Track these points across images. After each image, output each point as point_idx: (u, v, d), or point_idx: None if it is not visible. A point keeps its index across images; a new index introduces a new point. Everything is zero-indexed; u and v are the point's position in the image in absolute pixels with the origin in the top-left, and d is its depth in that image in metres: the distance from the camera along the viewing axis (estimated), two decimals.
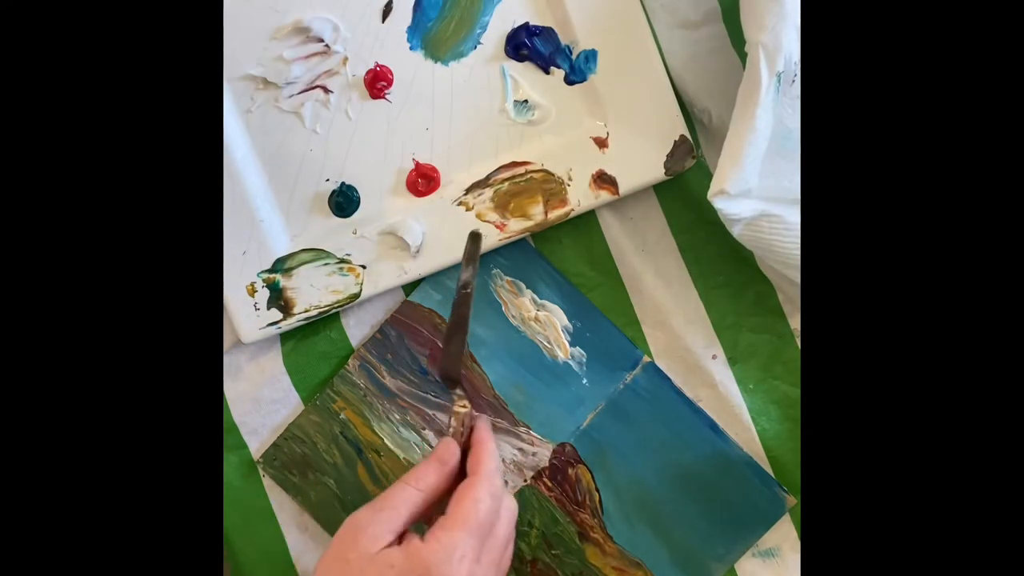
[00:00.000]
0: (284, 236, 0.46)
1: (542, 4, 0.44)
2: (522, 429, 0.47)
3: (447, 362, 0.40)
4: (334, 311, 0.46)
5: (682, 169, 0.45)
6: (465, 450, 0.39)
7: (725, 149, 0.39)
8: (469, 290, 0.41)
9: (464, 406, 0.40)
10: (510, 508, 0.39)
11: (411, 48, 0.45)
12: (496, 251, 0.46)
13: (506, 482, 0.46)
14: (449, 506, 0.36)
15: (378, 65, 0.45)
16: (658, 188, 0.46)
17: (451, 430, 0.40)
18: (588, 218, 0.46)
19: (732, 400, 0.46)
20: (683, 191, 0.46)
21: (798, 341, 0.46)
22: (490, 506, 0.36)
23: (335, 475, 0.47)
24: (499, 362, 0.46)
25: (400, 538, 0.36)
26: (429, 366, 0.46)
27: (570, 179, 0.45)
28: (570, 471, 0.46)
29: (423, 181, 0.45)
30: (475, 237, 0.43)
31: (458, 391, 0.41)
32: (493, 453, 0.39)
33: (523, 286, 0.46)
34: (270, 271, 0.45)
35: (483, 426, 0.40)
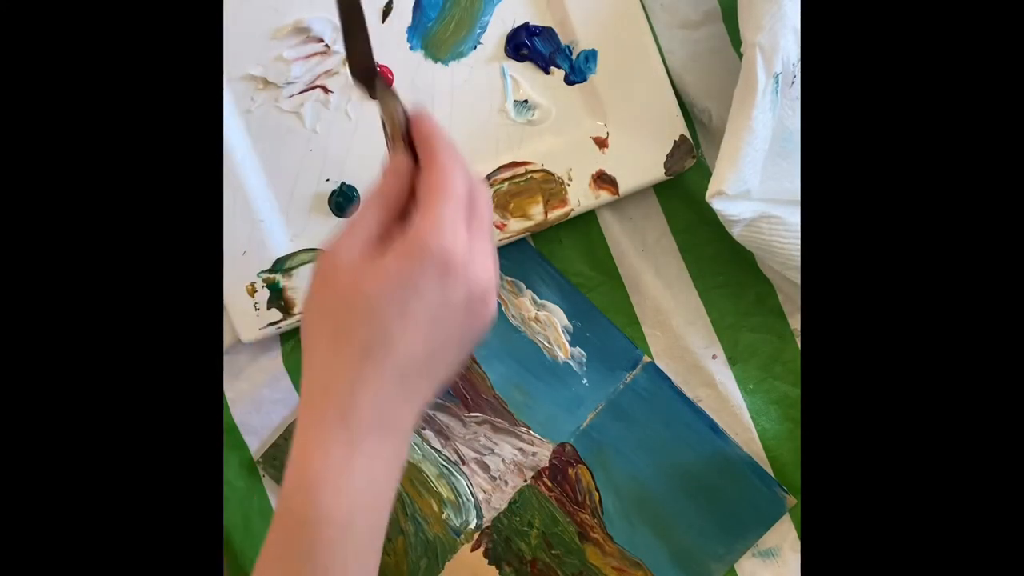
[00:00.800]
0: (284, 236, 0.46)
1: (542, 4, 0.45)
2: (522, 429, 0.47)
3: (357, 60, 0.36)
4: None
5: (682, 169, 0.45)
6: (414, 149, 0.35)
7: (722, 150, 0.40)
8: None
9: (392, 100, 0.35)
10: (484, 188, 0.35)
11: (411, 48, 0.45)
12: (496, 251, 0.46)
13: (506, 481, 0.46)
14: (418, 191, 0.34)
15: (378, 65, 0.45)
16: (658, 188, 0.46)
17: (388, 135, 0.35)
18: (588, 218, 0.46)
19: (732, 400, 0.46)
20: (683, 191, 0.46)
21: (798, 341, 0.46)
22: (462, 176, 0.33)
23: None
24: (499, 362, 0.46)
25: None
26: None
27: (570, 179, 0.45)
28: (570, 471, 0.46)
29: None
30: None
31: (379, 88, 0.35)
32: (444, 138, 0.34)
33: (523, 286, 0.46)
34: (270, 271, 0.45)
35: (423, 116, 0.35)
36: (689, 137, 0.44)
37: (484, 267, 0.33)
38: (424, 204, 0.33)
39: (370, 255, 0.32)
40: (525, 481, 0.46)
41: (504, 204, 0.45)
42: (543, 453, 0.47)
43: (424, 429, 0.47)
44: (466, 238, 0.32)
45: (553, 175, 0.45)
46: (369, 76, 0.36)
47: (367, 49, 0.36)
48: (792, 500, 0.46)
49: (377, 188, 0.34)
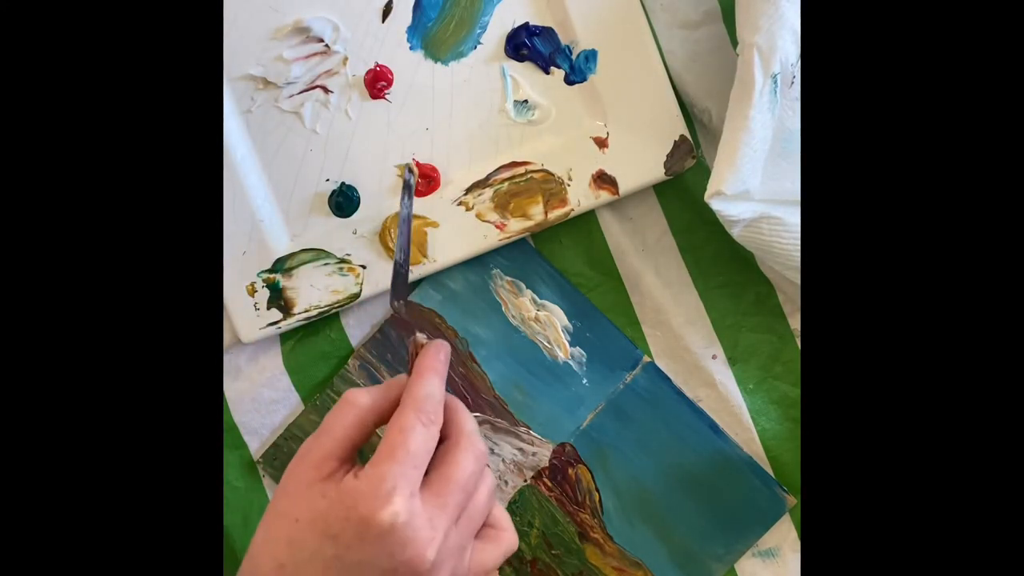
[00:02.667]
0: (284, 236, 0.46)
1: (542, 4, 0.45)
2: (522, 429, 0.47)
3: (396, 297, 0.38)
4: (334, 311, 0.46)
5: (682, 169, 0.45)
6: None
7: (720, 151, 0.40)
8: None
9: (422, 339, 0.37)
10: (491, 483, 0.36)
11: (411, 48, 0.45)
12: (496, 251, 0.46)
13: (506, 481, 0.46)
14: (430, 469, 0.34)
15: (378, 65, 0.45)
16: (658, 188, 0.46)
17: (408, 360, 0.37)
18: (588, 218, 0.46)
19: (732, 400, 0.46)
20: (683, 191, 0.46)
21: (798, 341, 0.46)
22: (472, 468, 0.34)
23: None
24: (499, 362, 0.46)
25: (350, 467, 0.34)
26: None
27: (570, 179, 0.45)
28: (570, 471, 0.46)
29: (423, 181, 0.45)
30: (410, 171, 0.44)
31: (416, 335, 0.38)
32: (466, 413, 0.36)
33: (523, 286, 0.46)
34: (270, 271, 0.45)
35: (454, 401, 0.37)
36: (689, 137, 0.44)
37: (441, 556, 0.32)
38: (380, 452, 0.32)
39: (328, 470, 0.33)
40: (525, 481, 0.46)
41: (504, 204, 0.45)
42: (543, 453, 0.47)
43: None
44: (407, 507, 0.31)
45: (553, 175, 0.45)
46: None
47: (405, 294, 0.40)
48: (792, 500, 0.46)
49: (361, 391, 0.35)
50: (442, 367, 0.36)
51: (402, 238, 0.41)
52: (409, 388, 0.34)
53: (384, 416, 0.35)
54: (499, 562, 0.36)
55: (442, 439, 0.35)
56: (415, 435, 0.33)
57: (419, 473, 0.32)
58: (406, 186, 0.44)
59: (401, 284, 0.40)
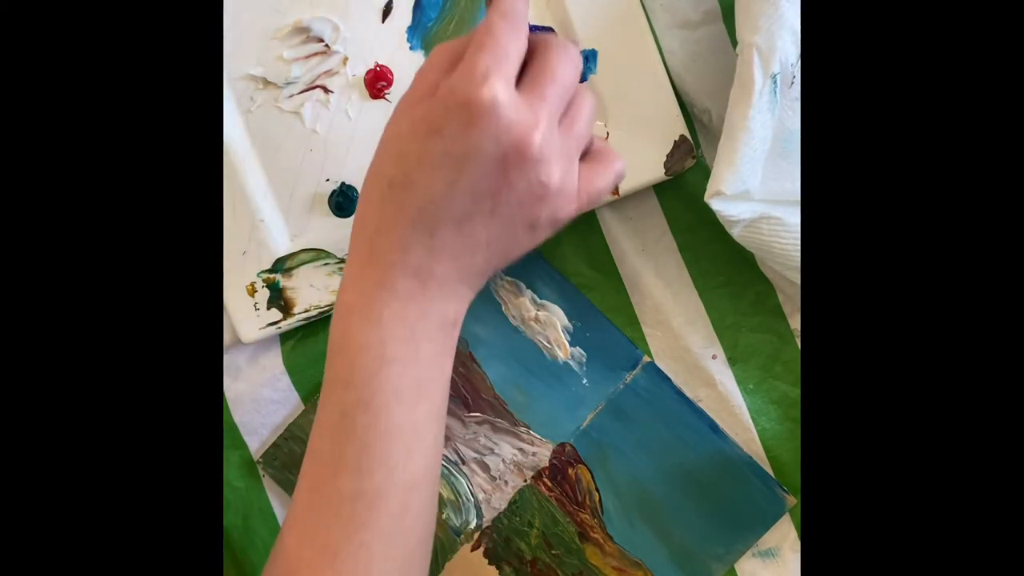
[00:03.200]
0: (284, 236, 0.46)
1: (542, 4, 0.44)
2: (522, 429, 0.47)
3: None
4: None
5: (682, 169, 0.45)
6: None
7: (719, 151, 0.40)
8: None
9: None
10: (589, 98, 0.35)
11: (411, 48, 0.45)
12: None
13: (506, 481, 0.46)
14: (523, 70, 0.33)
15: (378, 65, 0.45)
16: (658, 188, 0.46)
17: None
18: (588, 218, 0.46)
19: (732, 400, 0.46)
20: (683, 191, 0.46)
21: (798, 341, 0.46)
22: (565, 63, 0.32)
23: None
24: (499, 362, 0.46)
25: None
26: None
27: None
28: (570, 471, 0.47)
29: None
30: None
31: None
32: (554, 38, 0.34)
33: (523, 286, 0.46)
34: (270, 271, 0.45)
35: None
36: (689, 137, 0.44)
37: (548, 147, 0.31)
38: (475, 49, 0.31)
39: (422, 94, 0.32)
40: (525, 481, 0.46)
41: None
42: (543, 453, 0.47)
43: None
44: (517, 101, 0.30)
45: None
46: None
47: None
48: (792, 500, 0.46)
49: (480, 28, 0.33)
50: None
51: None
52: (492, 6, 0.33)
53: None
54: (610, 185, 0.35)
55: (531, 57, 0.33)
56: (502, 30, 0.31)
57: (511, 65, 0.31)
58: None
59: None
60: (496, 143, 0.31)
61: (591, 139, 0.36)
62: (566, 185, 0.33)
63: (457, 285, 0.34)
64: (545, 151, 0.32)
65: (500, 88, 0.30)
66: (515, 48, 0.32)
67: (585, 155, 0.36)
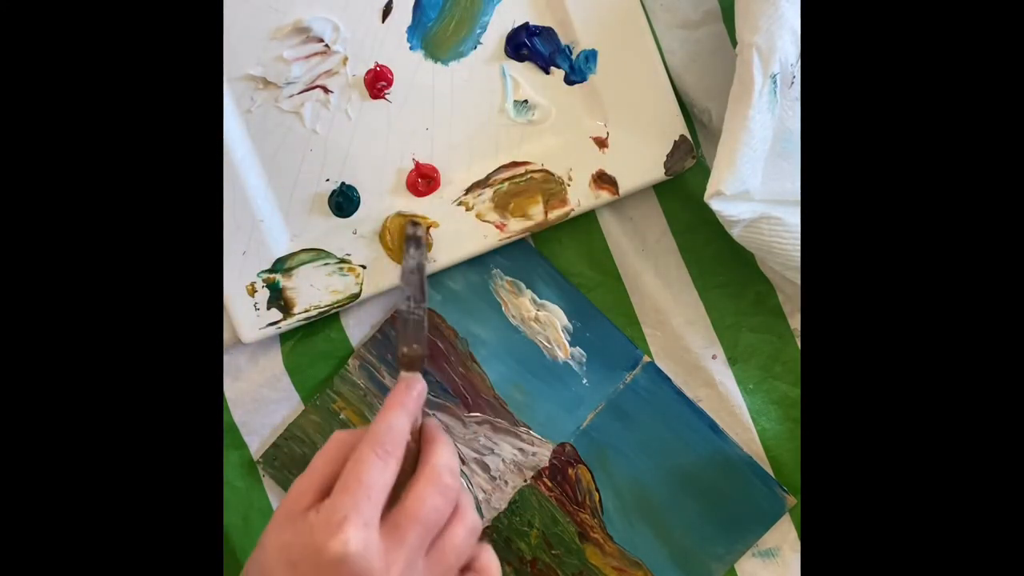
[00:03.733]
0: (284, 236, 0.46)
1: (542, 4, 0.45)
2: (522, 429, 0.47)
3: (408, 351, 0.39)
4: (334, 311, 0.46)
5: (682, 169, 0.45)
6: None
7: (719, 151, 0.40)
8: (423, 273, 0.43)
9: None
10: (470, 523, 0.35)
11: (411, 48, 0.45)
12: (496, 251, 0.46)
13: (506, 481, 0.46)
14: (393, 502, 0.34)
15: (378, 65, 0.45)
16: (658, 188, 0.46)
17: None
18: (588, 218, 0.46)
19: (732, 400, 0.46)
20: (683, 191, 0.46)
21: (798, 341, 0.46)
22: (434, 502, 0.34)
23: None
24: (499, 362, 0.46)
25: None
26: (429, 366, 0.46)
27: (570, 179, 0.45)
28: (570, 471, 0.46)
29: (423, 181, 0.45)
30: (414, 224, 0.44)
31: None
32: (441, 446, 0.36)
33: (523, 286, 0.46)
34: (270, 271, 0.45)
35: (432, 423, 0.38)
36: (689, 137, 0.44)
37: None
38: (338, 486, 0.33)
39: (305, 503, 0.33)
40: (525, 481, 0.46)
41: (504, 204, 0.45)
42: (543, 453, 0.47)
43: None
44: (358, 537, 0.31)
45: (553, 175, 0.45)
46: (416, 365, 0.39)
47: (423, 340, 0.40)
48: (792, 500, 0.46)
49: (340, 432, 0.36)
50: (412, 402, 0.36)
51: (412, 288, 0.42)
52: (373, 422, 0.35)
53: (349, 450, 0.35)
54: None
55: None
56: (368, 466, 0.33)
57: (374, 504, 0.33)
58: (413, 239, 0.44)
59: (415, 330, 0.40)
60: None
61: (473, 554, 0.36)
62: None
63: None
64: None
65: (354, 538, 0.31)
66: (383, 482, 0.33)
67: (468, 567, 0.36)
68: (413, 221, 0.45)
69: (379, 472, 0.33)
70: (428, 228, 0.45)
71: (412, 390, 0.37)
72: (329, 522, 0.32)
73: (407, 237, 0.44)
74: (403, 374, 0.38)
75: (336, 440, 0.35)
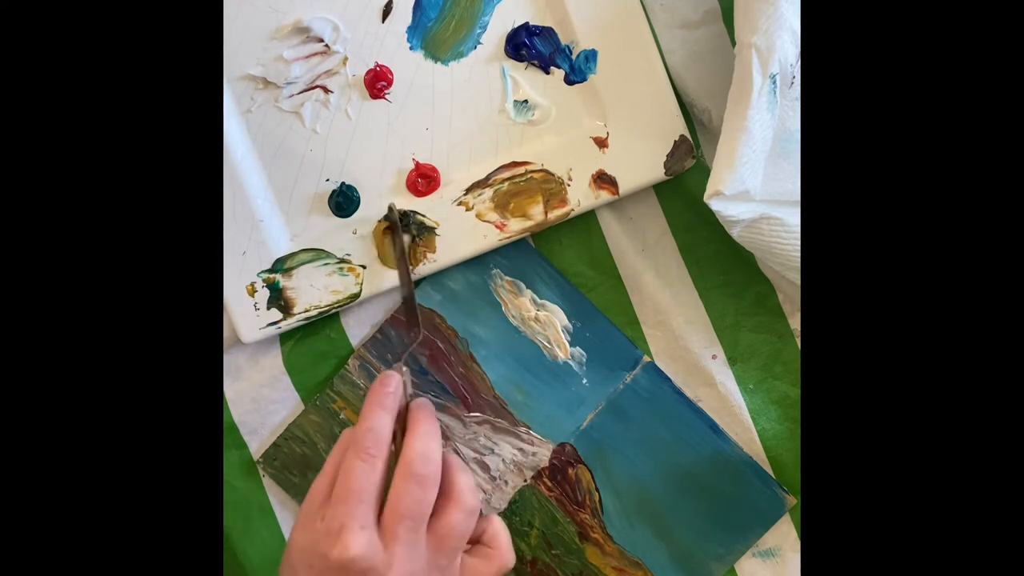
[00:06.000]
0: (284, 236, 0.46)
1: (542, 4, 0.45)
2: (522, 429, 0.47)
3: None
4: (334, 311, 0.46)
5: (682, 169, 0.45)
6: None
7: (718, 151, 0.40)
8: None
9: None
10: (466, 506, 0.37)
11: (411, 48, 0.45)
12: (496, 251, 0.46)
13: (506, 481, 0.46)
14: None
15: (378, 65, 0.45)
16: (658, 188, 0.46)
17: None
18: (588, 218, 0.46)
19: (732, 400, 0.46)
20: (683, 191, 0.46)
21: (798, 341, 0.46)
22: (464, 526, 0.36)
23: None
24: (499, 362, 0.46)
25: None
26: (429, 366, 0.46)
27: (570, 179, 0.45)
28: (570, 471, 0.46)
29: (423, 181, 0.45)
30: (389, 209, 0.45)
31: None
32: (458, 468, 0.38)
33: (523, 286, 0.46)
34: (270, 271, 0.45)
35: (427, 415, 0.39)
36: (689, 137, 0.44)
37: (409, 572, 0.34)
38: (335, 500, 0.35)
39: (314, 508, 0.36)
40: (525, 481, 0.46)
41: (504, 204, 0.45)
42: (543, 453, 0.47)
43: None
44: (372, 545, 0.34)
45: (553, 175, 0.45)
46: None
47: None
48: (792, 500, 0.46)
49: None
50: (389, 399, 0.38)
51: (400, 273, 0.43)
52: (356, 426, 0.37)
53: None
54: (495, 573, 0.38)
55: (441, 492, 0.37)
56: (356, 473, 0.35)
57: (367, 507, 0.35)
58: (391, 224, 0.45)
59: (411, 314, 0.42)
60: None
61: (480, 528, 0.39)
62: None
63: None
64: None
65: (353, 544, 0.34)
66: (371, 483, 0.35)
67: (478, 540, 0.39)
68: (389, 206, 0.45)
69: (367, 476, 0.35)
70: (396, 208, 0.45)
71: (387, 387, 0.38)
72: (329, 531, 0.34)
73: (389, 224, 0.45)
74: (383, 372, 0.39)
75: (344, 440, 0.38)
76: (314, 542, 0.35)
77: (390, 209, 0.45)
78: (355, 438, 0.36)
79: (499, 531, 0.39)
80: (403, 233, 0.44)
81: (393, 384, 0.38)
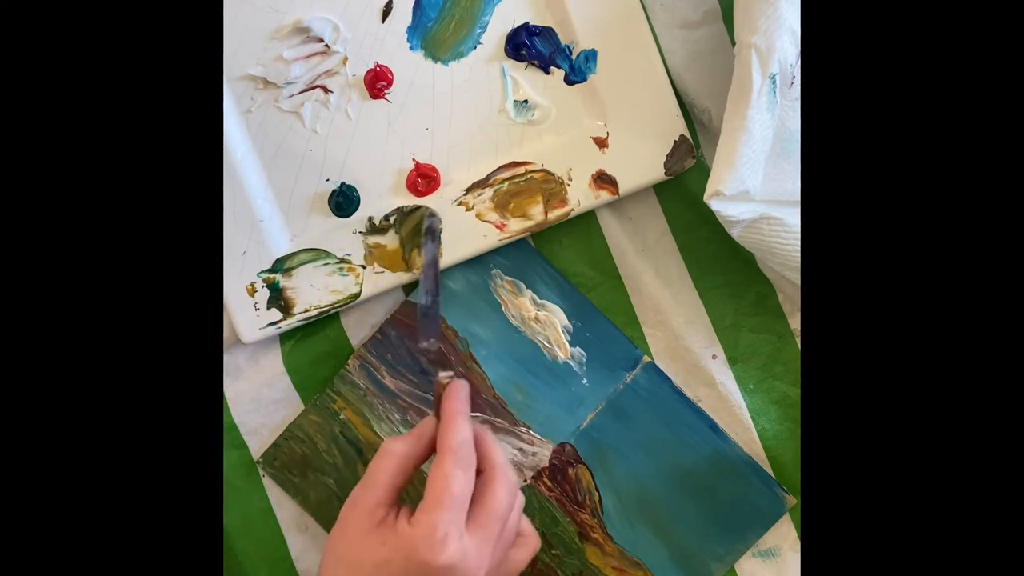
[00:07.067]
0: (284, 236, 0.46)
1: (542, 4, 0.45)
2: (522, 429, 0.47)
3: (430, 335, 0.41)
4: (334, 311, 0.46)
5: (682, 169, 0.45)
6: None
7: (718, 151, 0.40)
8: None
9: (445, 378, 0.40)
10: (519, 504, 0.39)
11: (411, 48, 0.45)
12: (496, 251, 0.46)
13: None
14: (472, 502, 0.37)
15: (378, 65, 0.45)
16: (658, 188, 0.46)
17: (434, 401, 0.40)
18: (588, 218, 0.46)
19: (732, 400, 0.46)
20: (683, 191, 0.46)
21: (798, 341, 0.46)
22: (508, 500, 0.37)
23: (335, 475, 0.47)
24: (499, 362, 0.46)
25: (398, 509, 0.37)
26: (427, 364, 0.46)
27: (570, 179, 0.45)
28: (570, 471, 0.46)
29: (423, 181, 0.45)
30: (431, 216, 0.44)
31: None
32: (495, 444, 0.39)
33: (523, 286, 0.46)
34: (270, 271, 0.45)
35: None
36: (689, 137, 0.44)
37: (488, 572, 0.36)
38: (427, 500, 0.36)
39: (380, 516, 0.37)
40: (525, 481, 0.46)
41: (504, 204, 0.45)
42: (543, 453, 0.47)
43: None
44: (458, 548, 0.35)
45: (553, 175, 0.45)
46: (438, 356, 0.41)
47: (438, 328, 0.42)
48: (792, 500, 0.46)
49: (397, 439, 0.38)
50: (466, 406, 0.39)
51: (428, 281, 0.42)
52: (443, 435, 0.38)
53: (420, 459, 0.39)
54: (527, 562, 0.40)
55: (477, 471, 0.38)
56: (456, 481, 0.36)
57: (464, 515, 0.36)
58: (429, 231, 0.44)
59: (431, 324, 0.41)
60: None
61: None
62: None
63: None
64: None
65: (457, 551, 0.35)
66: (468, 492, 0.37)
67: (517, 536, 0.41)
68: (431, 212, 0.45)
69: (465, 485, 0.37)
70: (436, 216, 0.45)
71: (463, 395, 0.39)
72: (433, 539, 0.35)
73: (424, 230, 0.44)
74: (441, 375, 0.40)
75: (392, 455, 0.38)
76: (405, 551, 0.35)
77: (432, 216, 0.44)
78: (451, 448, 0.37)
79: (529, 525, 0.41)
80: (439, 243, 0.44)
81: (465, 392, 0.39)
